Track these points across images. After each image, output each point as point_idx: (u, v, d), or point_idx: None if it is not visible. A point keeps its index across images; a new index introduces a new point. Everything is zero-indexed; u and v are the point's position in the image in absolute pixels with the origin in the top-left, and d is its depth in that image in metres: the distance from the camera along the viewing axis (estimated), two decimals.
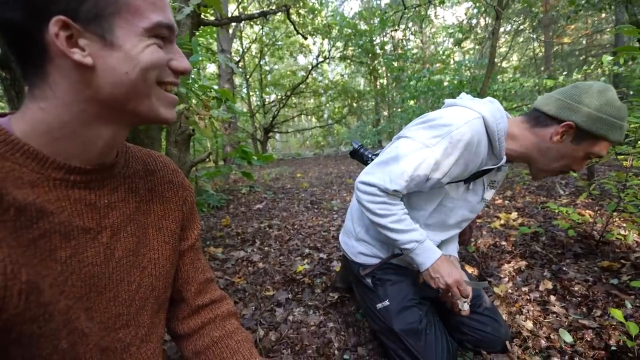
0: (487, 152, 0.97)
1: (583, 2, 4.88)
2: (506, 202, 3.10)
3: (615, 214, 1.86)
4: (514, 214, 2.49)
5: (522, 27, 11.25)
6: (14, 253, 0.38)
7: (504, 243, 2.04)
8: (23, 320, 0.38)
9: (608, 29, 10.29)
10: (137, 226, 0.54)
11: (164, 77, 0.46)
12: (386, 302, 1.10)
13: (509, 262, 1.78)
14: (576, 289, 1.46)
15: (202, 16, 2.04)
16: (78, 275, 0.46)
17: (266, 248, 2.48)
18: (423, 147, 0.93)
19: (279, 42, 13.00)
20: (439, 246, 1.15)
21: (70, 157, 0.45)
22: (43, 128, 0.43)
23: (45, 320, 0.40)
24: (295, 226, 3.07)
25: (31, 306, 0.38)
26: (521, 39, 12.99)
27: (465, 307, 1.07)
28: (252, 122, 13.91)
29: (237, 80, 13.24)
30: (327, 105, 15.52)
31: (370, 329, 1.36)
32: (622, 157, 1.68)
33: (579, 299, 1.40)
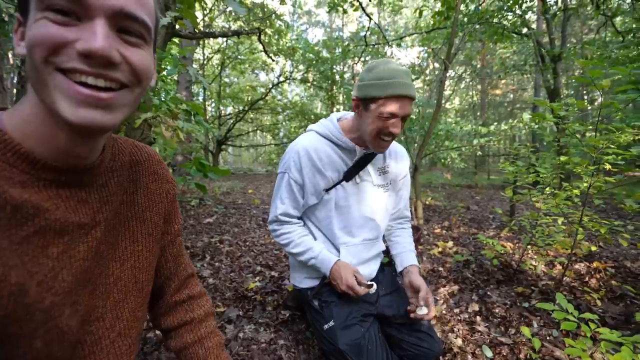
0: (336, 152, 1.19)
1: (512, 64, 5.78)
2: (444, 231, 3.44)
3: (529, 247, 2.20)
4: (450, 243, 2.78)
5: (463, 75, 12.77)
6: (4, 255, 0.38)
7: (441, 269, 2.27)
8: (9, 321, 0.38)
9: (529, 88, 12.15)
10: (119, 219, 0.53)
11: (63, 62, 0.36)
12: (331, 323, 1.17)
13: (444, 286, 1.99)
14: (497, 310, 1.69)
15: (177, 28, 2.05)
16: (69, 270, 0.45)
17: (217, 264, 2.43)
18: (282, 174, 1.21)
19: (242, 57, 13.02)
20: (369, 259, 1.30)
21: (55, 158, 0.43)
22: (22, 125, 0.42)
23: (27, 320, 0.40)
24: (247, 243, 3.04)
25: (17, 307, 0.39)
26: (462, 85, 14.68)
27: (422, 310, 1.16)
28: (205, 133, 13.48)
29: (195, 88, 12.86)
30: (284, 124, 15.69)
31: (319, 348, 1.42)
32: (535, 199, 2.02)
33: (499, 319, 1.62)
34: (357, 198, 1.23)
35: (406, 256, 1.32)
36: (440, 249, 2.65)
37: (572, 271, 2.08)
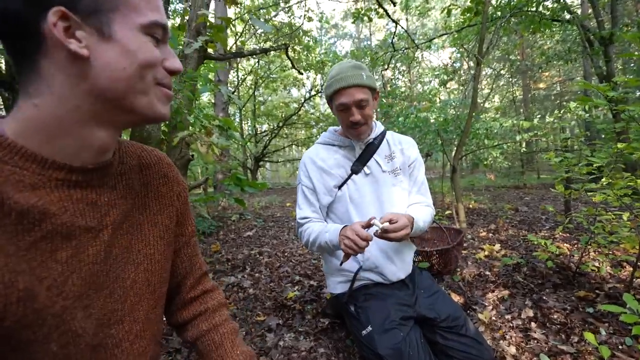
0: (337, 152, 1.30)
1: (554, 54, 5.38)
2: (490, 234, 3.22)
3: (589, 246, 1.98)
4: (497, 246, 2.59)
5: (502, 71, 12.12)
6: (11, 261, 0.38)
7: (488, 273, 2.12)
8: (21, 327, 0.38)
9: (579, 77, 11.19)
10: (132, 222, 0.53)
11: (161, 78, 0.47)
12: (369, 328, 1.14)
13: (492, 291, 1.85)
14: (555, 316, 1.53)
15: (208, 50, 2.20)
16: (79, 274, 0.45)
17: (256, 274, 2.48)
18: (298, 187, 1.35)
19: (274, 75, 13.52)
20: (399, 252, 1.28)
21: (69, 156, 0.44)
22: (37, 126, 0.42)
23: (39, 325, 0.40)
24: (286, 254, 3.08)
25: (27, 313, 0.39)
26: (502, 83, 13.92)
27: (377, 225, 1.03)
28: (243, 151, 14.06)
29: (231, 109, 13.55)
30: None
31: (360, 356, 1.38)
32: (592, 193, 1.83)
33: (558, 326, 1.47)
34: (370, 188, 1.27)
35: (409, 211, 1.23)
36: (486, 253, 2.49)
37: None
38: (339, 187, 1.29)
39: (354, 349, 1.43)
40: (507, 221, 3.76)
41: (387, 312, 1.16)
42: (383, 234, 1.03)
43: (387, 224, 1.02)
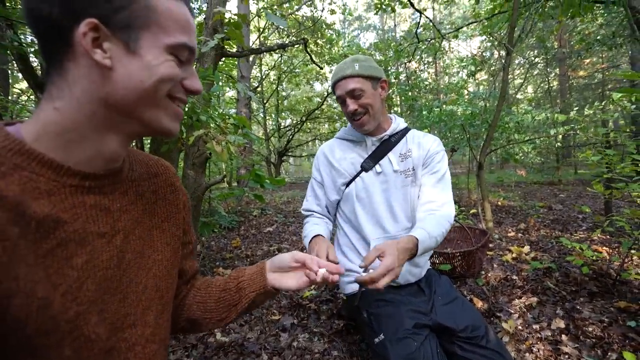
0: (350, 147, 1.28)
1: (595, 39, 4.95)
2: (519, 234, 3.05)
3: (632, 252, 1.81)
4: (527, 248, 2.44)
5: (536, 60, 11.39)
6: (31, 271, 0.39)
7: (515, 277, 2.00)
8: (38, 334, 0.40)
9: (625, 64, 10.30)
10: (143, 228, 0.55)
11: (176, 92, 0.49)
12: (381, 336, 1.10)
13: (519, 298, 1.74)
14: (590, 329, 1.41)
15: (225, 48, 2.19)
16: (93, 280, 0.46)
17: None
18: (311, 179, 1.38)
19: (297, 70, 13.50)
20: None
21: (82, 163, 0.46)
22: (55, 130, 0.44)
23: (53, 331, 0.41)
24: (305, 251, 3.07)
25: (44, 320, 0.40)
26: (536, 72, 13.10)
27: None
28: (267, 146, 14.23)
29: (255, 104, 13.71)
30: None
31: None
32: (636, 194, 1.66)
33: (593, 340, 1.34)
34: (380, 188, 1.23)
35: (415, 228, 1.07)
36: (514, 255, 2.34)
37: None
38: (347, 185, 1.26)
39: (369, 354, 1.39)
40: (538, 220, 3.54)
41: (400, 320, 1.11)
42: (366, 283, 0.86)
43: (363, 273, 0.87)
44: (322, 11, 11.48)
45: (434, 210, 1.16)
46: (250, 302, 0.66)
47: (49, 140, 0.44)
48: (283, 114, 15.58)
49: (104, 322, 0.48)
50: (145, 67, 0.45)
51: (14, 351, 0.39)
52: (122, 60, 0.44)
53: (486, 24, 5.96)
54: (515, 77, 12.94)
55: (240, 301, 0.66)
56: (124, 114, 0.46)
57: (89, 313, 0.46)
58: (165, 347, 0.61)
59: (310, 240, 1.13)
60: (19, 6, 2.71)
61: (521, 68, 12.67)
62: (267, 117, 14.95)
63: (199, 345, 1.57)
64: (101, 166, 0.48)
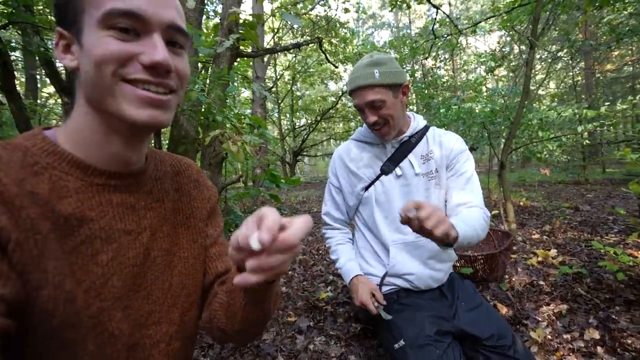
0: (368, 150, 1.22)
1: (626, 29, 4.69)
2: (544, 237, 2.91)
3: None
4: (553, 251, 2.32)
5: (559, 54, 10.94)
6: (59, 264, 0.41)
7: (542, 282, 1.90)
8: (65, 326, 0.41)
9: None
10: (169, 226, 0.55)
11: (130, 73, 0.42)
12: (401, 342, 1.05)
13: (547, 305, 1.64)
14: (629, 341, 1.31)
15: (240, 48, 2.19)
16: (119, 276, 0.47)
17: (290, 272, 2.47)
18: (328, 181, 1.35)
19: (311, 70, 13.50)
20: (431, 260, 1.17)
21: (105, 163, 0.47)
22: (76, 133, 0.46)
23: (77, 325, 0.42)
24: (320, 251, 3.05)
25: (70, 314, 0.41)
26: (559, 66, 12.59)
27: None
28: (282, 146, 14.31)
29: (270, 104, 13.81)
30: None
31: None
32: None
33: (633, 353, 1.25)
34: (400, 191, 1.18)
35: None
36: (540, 258, 2.23)
37: None
38: (366, 188, 1.22)
39: (387, 358, 1.35)
40: (564, 222, 3.38)
41: (421, 326, 1.06)
42: (418, 226, 0.80)
43: (413, 211, 0.79)
44: (335, 10, 11.42)
45: (466, 210, 1.11)
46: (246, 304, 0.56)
47: (75, 143, 0.46)
48: (298, 113, 15.62)
49: (128, 319, 0.48)
50: (86, 54, 0.42)
51: (43, 344, 0.40)
52: (80, 57, 0.43)
53: (506, 17, 5.75)
54: (537, 72, 12.49)
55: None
56: (98, 111, 0.44)
57: (114, 309, 0.46)
58: (191, 344, 0.61)
59: (352, 280, 1.19)
60: (46, 13, 2.81)
61: (543, 62, 12.20)
62: (282, 117, 15.03)
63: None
64: (122, 167, 0.49)
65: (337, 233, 1.34)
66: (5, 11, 1.76)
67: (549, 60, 10.90)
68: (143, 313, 0.50)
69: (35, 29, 1.94)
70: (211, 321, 0.61)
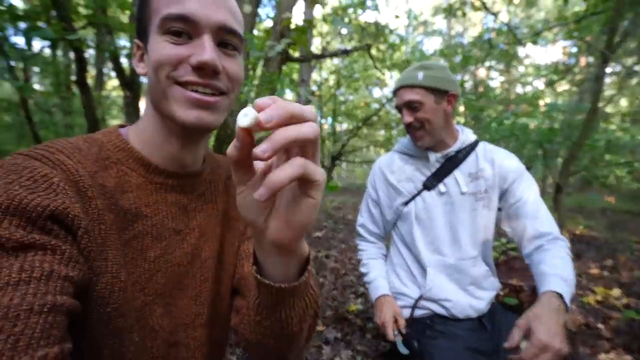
0: (410, 163, 1.17)
1: None
2: (605, 273, 2.61)
3: None
4: (617, 291, 2.06)
5: (636, 67, 9.83)
6: (118, 255, 0.43)
7: (600, 326, 1.69)
8: (116, 314, 0.43)
9: None
10: (219, 229, 0.56)
11: (181, 76, 0.43)
12: None
13: (607, 352, 1.46)
14: None
15: (290, 52, 2.22)
16: (164, 274, 0.48)
17: (321, 279, 2.45)
18: (366, 191, 1.32)
19: (356, 74, 13.46)
20: (472, 286, 1.10)
21: (164, 163, 0.50)
22: (143, 133, 0.50)
23: (127, 315, 0.44)
24: (352, 261, 2.99)
25: (122, 302, 0.43)
26: (634, 82, 11.32)
27: (523, 344, 0.85)
28: (321, 149, 14.41)
29: (313, 108, 13.97)
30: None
31: None
32: None
33: None
34: (443, 210, 1.11)
35: (543, 279, 0.93)
36: (598, 297, 2.00)
37: None
38: (406, 204, 1.16)
39: None
40: (632, 258, 3.01)
41: (457, 358, 0.97)
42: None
43: (525, 343, 0.78)
44: (385, 16, 11.28)
45: (548, 246, 1.00)
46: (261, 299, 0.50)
47: (142, 142, 0.49)
48: (339, 118, 15.62)
49: (169, 316, 0.49)
50: (149, 61, 0.46)
51: (96, 329, 0.41)
52: (147, 64, 0.47)
53: (572, 27, 5.29)
54: (606, 88, 11.34)
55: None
56: (159, 113, 0.48)
57: (155, 304, 0.47)
58: (226, 349, 0.62)
59: (378, 298, 1.15)
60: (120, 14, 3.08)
61: (614, 77, 11.05)
62: (324, 121, 15.13)
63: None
64: (180, 167, 0.51)
65: (370, 246, 1.30)
66: (86, 13, 1.95)
67: (622, 75, 9.85)
68: (189, 314, 0.51)
69: (108, 29, 2.12)
70: (237, 325, 0.60)
